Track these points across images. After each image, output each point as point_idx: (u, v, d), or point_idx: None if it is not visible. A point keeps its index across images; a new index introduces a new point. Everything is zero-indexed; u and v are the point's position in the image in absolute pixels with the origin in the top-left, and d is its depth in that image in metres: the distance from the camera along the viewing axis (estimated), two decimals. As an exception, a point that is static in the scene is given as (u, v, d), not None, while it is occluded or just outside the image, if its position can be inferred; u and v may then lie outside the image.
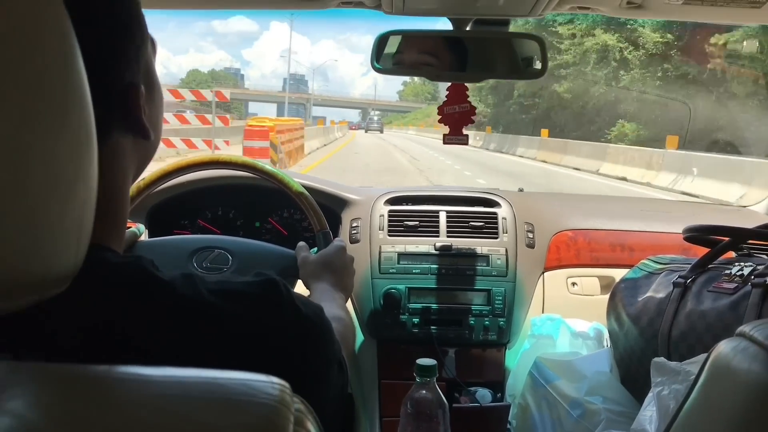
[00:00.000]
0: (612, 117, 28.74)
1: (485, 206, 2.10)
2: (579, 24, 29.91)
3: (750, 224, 1.59)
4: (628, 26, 28.22)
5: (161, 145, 0.93)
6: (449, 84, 1.71)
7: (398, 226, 2.02)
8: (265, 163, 1.72)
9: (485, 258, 1.95)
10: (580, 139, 24.11)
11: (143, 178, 1.58)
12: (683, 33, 26.34)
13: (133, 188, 1.52)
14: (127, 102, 0.76)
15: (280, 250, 1.61)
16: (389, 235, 2.00)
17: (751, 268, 1.37)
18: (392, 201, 2.10)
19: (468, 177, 16.42)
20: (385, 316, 1.92)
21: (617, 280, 1.79)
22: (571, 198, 3.09)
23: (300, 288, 1.51)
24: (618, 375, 1.59)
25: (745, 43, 20.90)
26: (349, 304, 1.48)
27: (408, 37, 1.63)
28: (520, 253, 1.98)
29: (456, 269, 1.94)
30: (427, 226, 2.02)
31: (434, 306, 1.91)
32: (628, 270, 1.77)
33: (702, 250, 1.56)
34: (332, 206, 2.08)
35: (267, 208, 2.12)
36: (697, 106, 21.96)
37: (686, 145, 17.59)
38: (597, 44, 29.92)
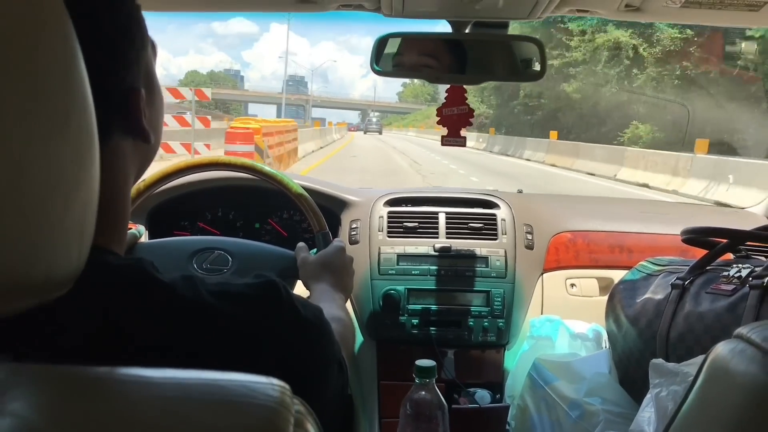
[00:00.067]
0: (624, 118, 27.42)
1: (484, 208, 2.11)
2: (590, 20, 28.01)
3: (748, 226, 1.59)
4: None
5: None
6: (448, 86, 1.72)
7: (397, 227, 2.02)
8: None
9: (484, 259, 1.95)
10: (589, 142, 22.89)
11: (143, 180, 1.58)
12: (704, 27, 22.92)
13: (133, 190, 1.51)
14: (128, 105, 0.77)
15: (279, 251, 1.61)
16: (388, 237, 2.00)
17: (749, 269, 1.37)
18: (391, 202, 2.10)
19: (475, 183, 15.58)
20: (385, 317, 1.92)
21: (616, 281, 1.79)
22: (570, 199, 3.10)
23: (300, 289, 1.51)
24: (616, 376, 1.59)
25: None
26: (348, 305, 1.48)
27: (407, 39, 1.64)
28: (519, 254, 1.99)
29: (455, 270, 1.94)
30: (426, 227, 2.02)
31: (433, 307, 1.91)
32: (626, 271, 1.77)
33: (700, 252, 1.57)
34: (332, 207, 2.08)
35: (267, 209, 2.12)
36: (717, 106, 20.75)
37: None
38: (609, 41, 28.64)
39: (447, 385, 1.87)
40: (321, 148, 27.62)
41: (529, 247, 2.02)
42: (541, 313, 1.99)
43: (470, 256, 1.96)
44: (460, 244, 1.97)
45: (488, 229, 2.02)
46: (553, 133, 26.04)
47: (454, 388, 1.88)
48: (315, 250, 1.56)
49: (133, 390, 0.51)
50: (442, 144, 1.75)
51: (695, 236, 1.59)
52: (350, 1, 1.55)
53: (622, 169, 17.37)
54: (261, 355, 0.77)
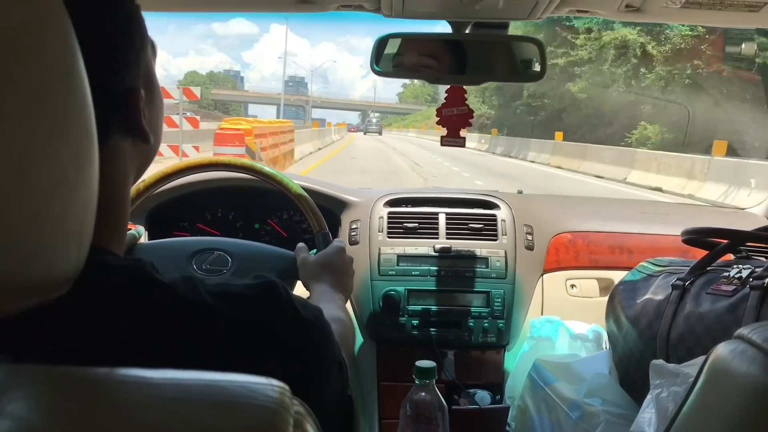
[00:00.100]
0: (631, 119, 26.25)
1: (484, 208, 2.10)
2: (596, 18, 27.57)
3: (748, 227, 1.59)
4: (652, 18, 25.92)
5: None
6: (448, 86, 1.72)
7: (397, 227, 2.02)
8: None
9: (484, 260, 1.95)
10: (595, 143, 21.98)
11: (143, 180, 1.58)
12: (717, 23, 23.13)
13: (133, 190, 1.52)
14: (127, 105, 0.76)
15: (279, 251, 1.61)
16: (388, 237, 2.00)
17: (749, 270, 1.37)
18: (391, 203, 2.10)
19: (479, 187, 14.88)
20: (385, 318, 1.92)
21: (616, 282, 1.79)
22: (570, 200, 3.09)
23: (300, 289, 1.51)
24: (617, 377, 1.59)
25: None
26: (348, 306, 1.48)
27: (407, 39, 1.64)
28: (519, 255, 1.98)
29: (455, 271, 1.94)
30: (426, 227, 2.02)
31: (433, 308, 1.91)
32: (626, 272, 1.77)
33: (701, 253, 1.57)
34: (332, 208, 2.08)
35: (266, 209, 2.12)
36: (732, 107, 19.86)
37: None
38: (615, 39, 27.45)
39: (447, 386, 1.86)
40: (319, 149, 26.92)
41: (530, 247, 2.02)
42: (542, 314, 1.99)
43: (470, 257, 1.96)
44: (460, 244, 1.97)
45: (488, 229, 2.02)
46: (559, 134, 24.90)
47: (454, 389, 1.88)
48: (315, 250, 1.56)
49: (132, 391, 0.51)
50: (442, 144, 1.75)
51: (695, 237, 1.59)
52: (350, 1, 1.55)
53: (632, 172, 16.63)
54: (261, 355, 0.77)
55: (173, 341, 0.71)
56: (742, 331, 0.71)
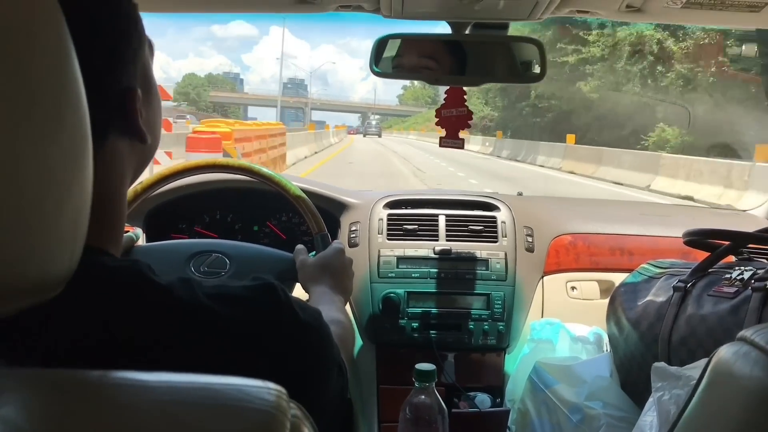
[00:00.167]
0: (647, 120, 24.42)
1: (484, 210, 2.10)
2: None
3: (750, 228, 1.59)
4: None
5: None
6: (447, 87, 1.71)
7: (397, 229, 2.01)
8: None
9: (484, 262, 1.95)
10: (606, 146, 20.52)
11: (140, 182, 1.58)
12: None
13: (130, 192, 1.52)
14: (124, 105, 0.76)
15: (278, 253, 1.60)
16: (388, 239, 1.99)
17: (751, 272, 1.36)
18: (391, 204, 2.10)
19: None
20: (384, 321, 1.91)
21: (617, 284, 1.79)
22: (570, 202, 3.09)
23: (299, 291, 1.50)
24: (618, 380, 1.58)
25: None
26: (347, 308, 1.47)
27: (407, 40, 1.63)
28: (519, 257, 1.98)
29: (455, 273, 1.93)
30: (426, 229, 2.01)
31: (433, 310, 1.91)
32: (627, 274, 1.77)
33: (702, 254, 1.56)
34: (331, 210, 2.07)
35: (265, 211, 2.12)
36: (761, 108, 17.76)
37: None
38: (631, 35, 25.76)
39: (447, 389, 1.86)
40: (315, 153, 25.74)
41: (530, 249, 2.02)
42: (542, 316, 1.98)
43: (470, 259, 1.95)
44: (460, 246, 1.97)
45: (488, 231, 2.01)
46: (570, 137, 23.23)
47: (454, 392, 1.87)
48: (314, 252, 1.55)
49: (126, 394, 0.51)
50: (441, 145, 1.75)
51: (697, 238, 1.59)
52: (349, 1, 1.55)
53: (657, 179, 15.16)
54: (259, 358, 0.76)
55: (170, 343, 0.71)
56: (745, 332, 0.70)
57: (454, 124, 1.71)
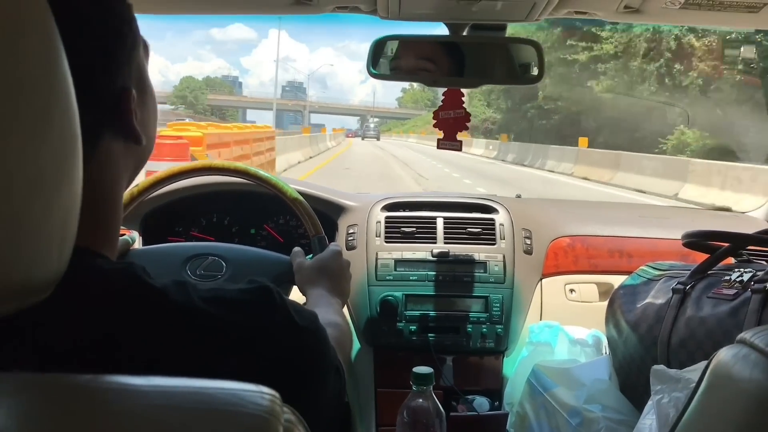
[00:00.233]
0: (664, 122, 22.68)
1: (482, 212, 2.09)
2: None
3: (749, 230, 1.58)
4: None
5: None
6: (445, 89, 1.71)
7: (395, 232, 2.01)
8: None
9: (483, 264, 1.94)
10: (618, 149, 19.03)
11: (136, 185, 1.57)
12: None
13: (126, 195, 1.51)
14: (119, 106, 0.76)
15: (275, 256, 1.60)
16: (386, 242, 1.99)
17: (750, 274, 1.36)
18: (389, 207, 2.09)
19: None
20: (382, 324, 1.90)
21: (616, 286, 1.78)
22: (568, 204, 3.09)
23: (296, 294, 1.50)
24: (617, 382, 1.58)
25: None
26: (345, 311, 1.47)
27: (405, 42, 1.63)
28: (517, 259, 1.97)
29: (453, 276, 1.93)
30: (424, 232, 2.01)
31: (431, 313, 1.90)
32: (626, 276, 1.77)
33: (701, 256, 1.56)
34: (328, 213, 2.07)
35: (262, 214, 2.11)
36: None
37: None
38: (647, 30, 23.86)
39: (445, 392, 1.85)
40: (310, 158, 24.33)
41: (528, 252, 2.01)
42: (540, 319, 1.97)
43: (468, 262, 1.94)
44: (458, 249, 1.96)
45: (486, 234, 2.01)
46: (583, 140, 21.77)
47: (453, 396, 1.87)
48: (311, 255, 1.54)
49: (118, 399, 0.50)
50: (438, 147, 1.75)
51: (696, 240, 1.58)
52: (346, 2, 1.54)
53: (685, 186, 13.69)
54: (255, 361, 0.76)
55: (165, 347, 0.70)
56: (745, 335, 0.70)
57: (452, 126, 1.71)
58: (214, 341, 0.73)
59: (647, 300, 1.57)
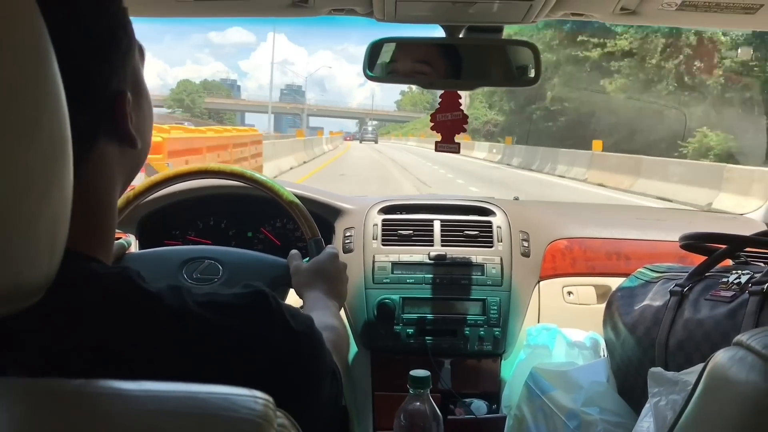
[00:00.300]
0: (682, 124, 21.01)
1: (480, 215, 2.09)
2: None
3: (747, 232, 1.58)
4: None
5: None
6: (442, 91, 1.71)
7: (392, 235, 2.00)
8: None
9: (480, 267, 1.94)
10: (632, 153, 17.69)
11: (132, 189, 1.57)
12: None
13: (122, 199, 1.51)
14: (114, 109, 0.76)
15: (271, 259, 1.60)
16: (383, 245, 1.99)
17: (748, 275, 1.36)
18: (386, 210, 2.09)
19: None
20: (379, 327, 1.90)
21: (613, 288, 1.78)
22: (566, 206, 3.08)
23: (293, 297, 1.50)
24: (615, 385, 1.57)
25: None
26: (342, 314, 1.46)
27: (401, 44, 1.63)
28: (515, 262, 1.97)
29: (450, 279, 1.93)
30: (421, 235, 2.00)
31: (429, 316, 1.90)
32: (624, 279, 1.76)
33: (699, 258, 1.55)
34: (325, 216, 2.06)
35: (259, 217, 2.11)
36: None
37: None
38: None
39: (443, 395, 1.85)
40: (304, 163, 23.12)
41: (526, 254, 2.01)
42: (538, 322, 1.97)
43: (466, 264, 1.94)
44: (455, 251, 1.96)
45: (484, 236, 2.01)
46: (597, 143, 20.11)
47: (450, 399, 1.87)
48: (308, 258, 1.54)
49: (110, 404, 0.50)
50: (436, 150, 1.75)
51: (694, 242, 1.58)
52: (342, 5, 1.54)
53: (720, 195, 12.39)
54: (250, 366, 0.75)
55: (159, 351, 0.70)
56: (741, 337, 0.70)
57: (449, 129, 1.71)
58: (208, 346, 0.73)
59: (645, 302, 1.56)
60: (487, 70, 1.70)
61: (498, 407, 1.87)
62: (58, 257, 0.51)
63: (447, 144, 1.71)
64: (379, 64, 1.62)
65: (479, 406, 1.84)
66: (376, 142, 66.17)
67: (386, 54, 1.63)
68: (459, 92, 1.70)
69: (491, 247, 1.99)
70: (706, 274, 1.48)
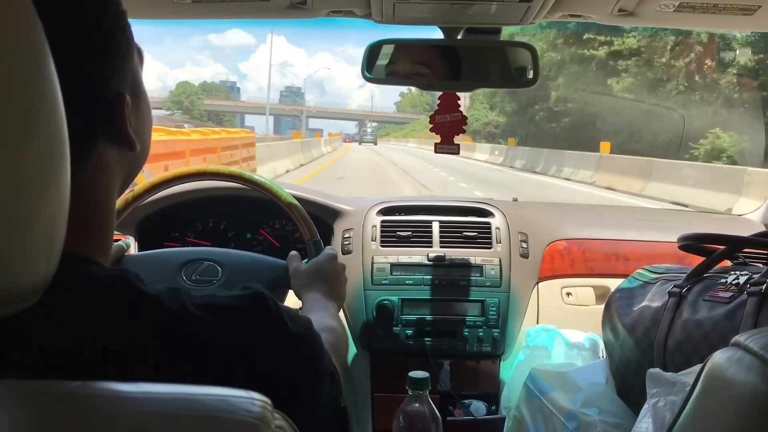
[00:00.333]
0: (694, 125, 19.94)
1: (478, 216, 2.09)
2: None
3: (745, 233, 1.58)
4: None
5: None
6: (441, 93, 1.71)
7: (391, 236, 2.00)
8: None
9: (479, 268, 1.94)
10: (640, 155, 16.95)
11: (131, 191, 1.57)
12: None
13: (121, 201, 1.51)
14: (113, 112, 0.76)
15: (270, 260, 1.60)
16: (382, 246, 1.99)
17: (746, 276, 1.36)
18: (385, 211, 2.09)
19: None
20: (378, 328, 1.90)
21: (612, 289, 1.78)
22: (564, 207, 3.08)
23: (292, 298, 1.50)
24: (614, 386, 1.57)
25: None
26: (341, 315, 1.46)
27: (399, 46, 1.63)
28: (514, 263, 1.97)
29: (449, 280, 1.92)
30: (420, 236, 2.00)
31: (428, 317, 1.90)
32: (623, 280, 1.76)
33: (697, 259, 1.55)
34: (324, 217, 2.07)
35: (258, 219, 2.11)
36: None
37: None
38: None
39: (442, 396, 1.85)
40: (301, 165, 22.18)
41: (524, 255, 2.01)
42: (537, 323, 1.97)
43: (464, 265, 1.94)
44: (454, 253, 1.96)
45: (482, 237, 2.01)
46: (605, 144, 19.40)
47: (449, 400, 1.87)
48: (307, 259, 1.54)
49: (108, 405, 0.50)
50: (436, 151, 1.74)
51: (692, 243, 1.58)
52: (340, 7, 1.54)
53: (741, 201, 11.43)
54: (248, 368, 0.76)
55: (158, 353, 0.70)
56: (739, 338, 0.70)
57: (448, 130, 1.71)
58: (207, 348, 0.73)
59: (644, 303, 1.56)
60: (485, 71, 1.70)
61: (497, 408, 1.86)
62: (55, 259, 0.51)
63: (446, 145, 1.71)
64: (378, 66, 1.62)
65: (478, 408, 1.84)
66: (375, 143, 66.06)
67: (385, 56, 1.63)
68: (458, 93, 1.70)
69: (490, 248, 1.99)
70: (705, 275, 1.48)
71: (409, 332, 1.89)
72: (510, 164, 26.61)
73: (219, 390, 0.51)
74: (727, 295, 1.34)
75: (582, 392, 1.54)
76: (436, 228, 2.02)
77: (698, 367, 0.76)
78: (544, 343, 1.79)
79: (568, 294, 2.02)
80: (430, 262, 1.94)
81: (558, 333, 1.80)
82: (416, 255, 1.96)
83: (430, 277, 1.93)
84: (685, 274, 1.52)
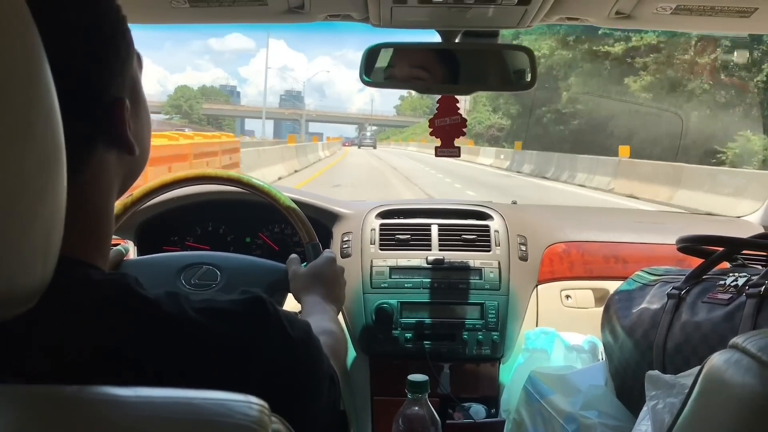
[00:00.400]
0: (717, 126, 18.70)
1: (477, 219, 2.09)
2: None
3: (744, 234, 1.58)
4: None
5: None
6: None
7: (390, 239, 2.00)
8: None
9: (478, 271, 1.94)
10: (657, 159, 15.65)
11: (130, 195, 1.57)
12: None
13: (119, 205, 1.51)
14: (112, 116, 0.76)
15: (269, 264, 1.60)
16: (381, 249, 1.99)
17: (745, 278, 1.36)
18: (383, 214, 2.09)
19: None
20: (377, 332, 1.90)
21: (611, 292, 1.78)
22: (563, 210, 3.09)
23: (291, 301, 1.50)
24: (613, 388, 1.57)
25: None
26: (340, 318, 1.46)
27: (397, 50, 1.63)
28: (513, 266, 1.97)
29: (448, 283, 1.92)
30: (418, 239, 2.00)
31: (427, 320, 1.90)
32: (622, 282, 1.76)
33: (696, 261, 1.55)
34: (323, 220, 2.06)
35: (257, 223, 2.11)
36: None
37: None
38: None
39: (441, 399, 1.85)
40: (295, 171, 21.09)
41: (523, 258, 2.01)
42: (536, 326, 1.97)
43: (463, 269, 1.94)
44: (453, 256, 1.96)
45: (481, 240, 2.01)
46: (624, 148, 17.67)
47: (449, 403, 1.86)
48: (306, 263, 1.54)
49: (106, 410, 0.50)
50: (436, 155, 1.75)
51: (691, 245, 1.58)
52: (338, 11, 1.55)
53: None
54: (247, 372, 0.75)
55: (157, 358, 0.70)
56: (737, 340, 0.70)
57: (448, 133, 1.71)
58: (206, 352, 0.73)
59: (643, 305, 1.56)
60: (483, 74, 1.70)
61: (497, 411, 1.86)
62: (52, 262, 0.51)
63: (447, 149, 1.71)
64: (376, 70, 1.62)
65: (478, 411, 1.83)
66: (374, 147, 65.99)
67: (383, 59, 1.63)
68: (458, 96, 1.70)
69: (489, 251, 1.99)
70: (704, 277, 1.48)
71: (409, 335, 1.89)
72: (517, 169, 25.37)
73: (216, 394, 0.51)
74: (726, 296, 1.34)
75: (581, 395, 1.54)
76: (435, 231, 2.02)
77: (697, 369, 0.76)
78: (544, 346, 1.79)
79: (567, 297, 2.02)
80: (429, 266, 1.94)
81: (557, 336, 1.80)
82: (415, 258, 1.96)
83: (429, 280, 1.93)
84: (684, 276, 1.52)
